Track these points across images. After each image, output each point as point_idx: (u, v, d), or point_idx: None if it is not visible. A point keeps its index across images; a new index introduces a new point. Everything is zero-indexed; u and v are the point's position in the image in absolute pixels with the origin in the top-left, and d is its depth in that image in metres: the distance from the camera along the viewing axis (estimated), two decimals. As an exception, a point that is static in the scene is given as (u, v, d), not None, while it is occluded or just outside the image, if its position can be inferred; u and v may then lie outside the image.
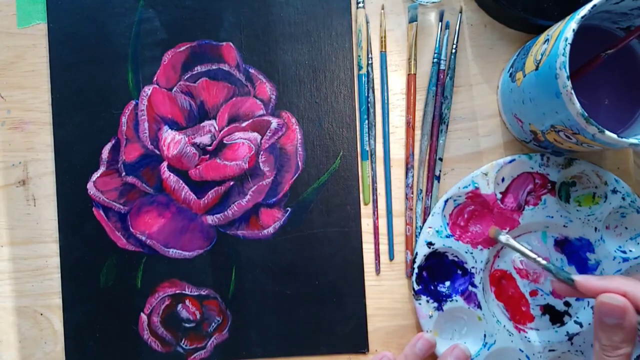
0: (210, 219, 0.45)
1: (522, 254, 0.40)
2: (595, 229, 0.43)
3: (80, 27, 0.45)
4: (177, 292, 0.45)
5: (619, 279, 0.35)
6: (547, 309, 0.45)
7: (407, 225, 0.45)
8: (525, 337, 0.44)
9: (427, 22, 0.45)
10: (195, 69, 0.45)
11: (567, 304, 0.45)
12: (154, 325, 0.45)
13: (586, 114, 0.34)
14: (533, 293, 0.45)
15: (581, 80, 0.39)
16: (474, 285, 0.44)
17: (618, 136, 0.34)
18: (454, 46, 0.45)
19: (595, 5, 0.34)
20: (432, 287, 0.44)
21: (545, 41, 0.37)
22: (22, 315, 0.45)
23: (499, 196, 0.44)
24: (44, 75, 0.45)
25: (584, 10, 0.34)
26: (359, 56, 0.45)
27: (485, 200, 0.43)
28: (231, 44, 0.45)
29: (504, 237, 0.41)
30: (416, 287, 0.44)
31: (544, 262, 0.39)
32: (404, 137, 0.45)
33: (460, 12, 0.45)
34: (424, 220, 0.45)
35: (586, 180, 0.44)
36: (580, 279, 0.37)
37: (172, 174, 0.45)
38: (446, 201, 0.44)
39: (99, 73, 0.45)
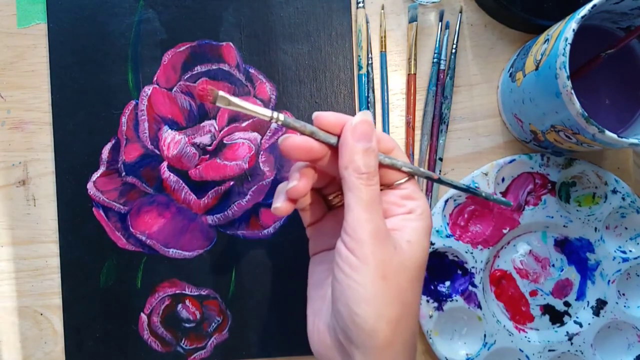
0: (210, 219, 0.45)
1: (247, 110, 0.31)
2: (595, 229, 0.43)
3: (80, 27, 0.45)
4: (177, 292, 0.45)
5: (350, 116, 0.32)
6: (547, 309, 0.45)
7: (407, 225, 0.45)
8: (525, 337, 0.44)
9: (427, 22, 0.45)
10: (195, 69, 0.45)
11: (567, 304, 0.45)
12: (154, 325, 0.45)
13: (586, 114, 0.34)
14: (533, 293, 0.45)
15: (581, 80, 0.39)
16: (474, 285, 0.44)
17: (618, 136, 0.34)
18: (454, 46, 0.45)
19: (595, 5, 0.34)
20: (432, 287, 0.44)
21: (545, 41, 0.37)
22: (22, 315, 0.45)
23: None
24: (44, 75, 0.45)
25: (584, 10, 0.34)
26: (359, 56, 0.45)
27: (486, 200, 0.43)
28: (231, 44, 0.45)
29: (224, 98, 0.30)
30: (416, 287, 0.44)
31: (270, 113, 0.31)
32: (404, 137, 0.45)
33: (460, 12, 0.45)
34: (424, 220, 0.44)
35: (586, 181, 0.44)
36: (318, 113, 0.32)
37: (172, 174, 0.45)
38: (446, 201, 0.44)
39: (99, 73, 0.45)
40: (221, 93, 0.30)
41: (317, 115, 0.32)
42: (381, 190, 0.33)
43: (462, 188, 0.36)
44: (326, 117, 0.32)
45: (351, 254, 0.30)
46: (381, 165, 0.33)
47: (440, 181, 0.35)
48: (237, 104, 0.30)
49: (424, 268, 0.33)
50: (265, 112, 0.31)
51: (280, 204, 0.34)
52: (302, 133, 0.32)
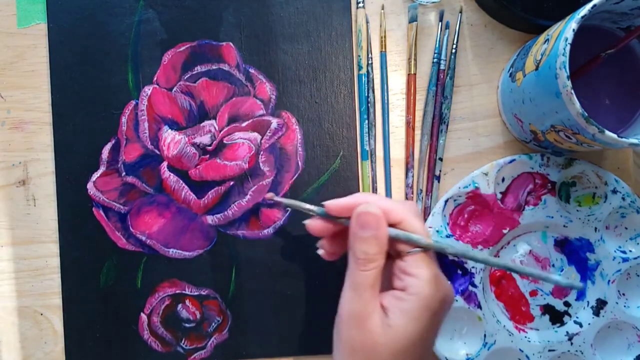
0: (210, 219, 0.45)
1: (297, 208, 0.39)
2: (595, 229, 0.43)
3: (80, 27, 0.45)
4: (177, 292, 0.45)
5: (362, 196, 0.37)
6: (547, 309, 0.45)
7: (407, 225, 0.45)
8: (525, 337, 0.44)
9: (427, 22, 0.45)
10: (195, 69, 0.45)
11: (567, 304, 0.45)
12: (154, 325, 0.45)
13: (586, 114, 0.34)
14: (533, 293, 0.45)
15: (581, 80, 0.39)
16: (474, 285, 0.44)
17: (618, 136, 0.34)
18: (454, 46, 0.45)
19: (595, 5, 0.34)
20: (432, 287, 0.44)
21: (545, 41, 0.37)
22: (22, 315, 0.45)
23: (499, 196, 0.44)
24: (44, 75, 0.45)
25: (584, 10, 0.34)
26: (359, 56, 0.45)
27: (486, 200, 0.43)
28: (231, 44, 0.45)
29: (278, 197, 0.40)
30: (416, 287, 0.44)
31: (311, 207, 0.38)
32: (404, 137, 0.45)
33: (460, 12, 0.45)
34: (424, 220, 0.44)
35: (586, 181, 0.44)
36: (328, 202, 0.36)
37: (172, 174, 0.45)
38: (446, 201, 0.44)
39: (99, 73, 0.45)
40: (276, 197, 0.41)
41: (326, 205, 0.36)
42: (393, 259, 0.34)
43: (511, 268, 0.35)
44: (334, 205, 0.36)
45: (336, 322, 0.34)
46: (394, 240, 0.34)
47: (474, 258, 0.35)
48: (286, 203, 0.40)
49: (408, 353, 0.32)
50: (310, 208, 0.38)
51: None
52: (338, 222, 0.36)
